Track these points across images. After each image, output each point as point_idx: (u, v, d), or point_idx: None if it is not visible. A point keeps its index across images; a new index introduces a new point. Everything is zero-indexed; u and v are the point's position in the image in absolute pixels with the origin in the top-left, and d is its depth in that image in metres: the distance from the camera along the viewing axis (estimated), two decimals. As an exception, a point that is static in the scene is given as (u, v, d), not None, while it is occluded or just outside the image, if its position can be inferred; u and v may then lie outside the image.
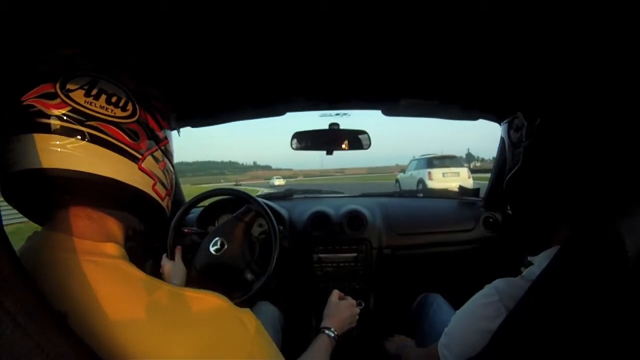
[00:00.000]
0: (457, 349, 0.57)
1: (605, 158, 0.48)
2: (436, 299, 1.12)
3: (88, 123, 0.39)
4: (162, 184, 0.48)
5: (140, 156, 0.44)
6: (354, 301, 0.93)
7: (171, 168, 0.52)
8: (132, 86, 0.44)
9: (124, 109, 0.42)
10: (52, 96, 0.39)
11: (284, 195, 1.68)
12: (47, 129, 0.38)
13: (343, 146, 1.35)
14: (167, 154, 0.50)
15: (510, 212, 1.32)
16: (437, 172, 8.54)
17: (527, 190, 0.62)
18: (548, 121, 0.57)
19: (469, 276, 1.07)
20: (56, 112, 0.38)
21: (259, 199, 1.11)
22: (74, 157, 0.38)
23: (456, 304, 0.62)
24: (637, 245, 0.39)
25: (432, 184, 8.37)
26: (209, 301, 0.42)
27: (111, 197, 0.43)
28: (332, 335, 0.79)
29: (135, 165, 0.43)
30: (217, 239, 1.04)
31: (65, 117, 0.38)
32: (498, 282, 0.56)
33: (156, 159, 0.47)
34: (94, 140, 0.39)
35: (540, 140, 0.58)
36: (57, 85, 0.39)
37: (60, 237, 0.41)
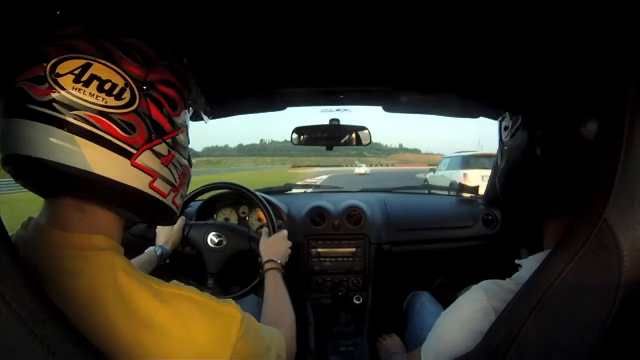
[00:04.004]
0: (441, 352, 0.55)
1: (582, 158, 0.48)
2: (420, 298, 1.10)
3: (74, 113, 0.36)
4: (165, 179, 0.44)
5: (134, 151, 0.40)
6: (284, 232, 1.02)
7: (183, 161, 0.48)
8: (135, 71, 0.40)
9: (118, 97, 0.38)
10: (41, 80, 0.36)
11: (283, 189, 1.69)
12: (32, 116, 0.36)
13: (343, 142, 1.35)
14: (177, 145, 0.46)
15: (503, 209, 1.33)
16: (474, 174, 6.58)
17: (510, 188, 0.62)
18: (528, 119, 0.56)
19: (468, 273, 1.07)
20: (43, 98, 0.36)
21: (258, 193, 1.12)
22: (58, 149, 0.36)
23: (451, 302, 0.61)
24: (632, 246, 0.38)
25: (468, 187, 6.70)
26: (190, 299, 0.41)
27: (100, 194, 0.40)
28: (278, 262, 0.88)
29: (127, 161, 0.39)
30: (221, 235, 1.05)
31: (50, 105, 0.36)
32: (485, 283, 0.55)
33: (157, 154, 0.42)
34: (79, 132, 0.36)
35: (519, 138, 0.57)
36: (48, 68, 0.36)
37: (48, 230, 0.39)
